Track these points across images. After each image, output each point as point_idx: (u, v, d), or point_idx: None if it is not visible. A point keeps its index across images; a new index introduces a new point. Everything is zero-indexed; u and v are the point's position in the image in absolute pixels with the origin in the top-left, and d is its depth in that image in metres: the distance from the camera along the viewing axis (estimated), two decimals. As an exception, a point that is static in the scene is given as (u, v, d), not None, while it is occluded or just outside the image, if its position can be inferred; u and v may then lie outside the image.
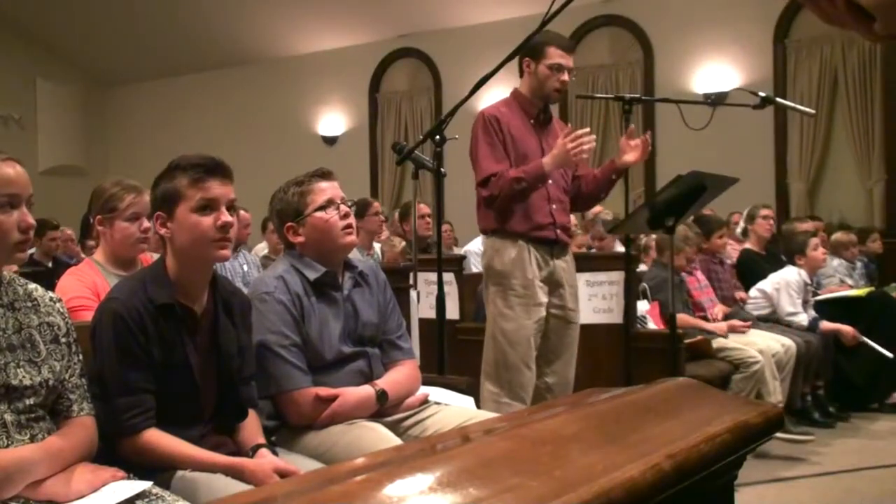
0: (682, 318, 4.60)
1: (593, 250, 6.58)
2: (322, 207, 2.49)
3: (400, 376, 2.53)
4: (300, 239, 2.51)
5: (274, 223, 2.64)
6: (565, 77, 3.44)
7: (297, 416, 2.38)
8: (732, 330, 4.76)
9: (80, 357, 1.93)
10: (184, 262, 2.08)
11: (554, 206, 3.47)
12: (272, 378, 2.34)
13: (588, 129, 3.39)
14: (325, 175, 2.56)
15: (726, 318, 4.94)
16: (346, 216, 2.51)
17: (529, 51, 3.41)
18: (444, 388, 2.87)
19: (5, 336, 1.78)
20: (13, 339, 1.79)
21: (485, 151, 3.37)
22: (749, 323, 4.92)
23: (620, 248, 7.10)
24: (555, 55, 3.40)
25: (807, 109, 4.36)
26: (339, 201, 2.52)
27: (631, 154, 3.47)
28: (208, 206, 2.04)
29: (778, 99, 3.98)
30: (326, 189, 2.52)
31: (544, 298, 3.44)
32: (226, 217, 2.05)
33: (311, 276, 2.47)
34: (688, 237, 4.80)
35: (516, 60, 3.43)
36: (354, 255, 2.77)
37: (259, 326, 2.34)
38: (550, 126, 3.60)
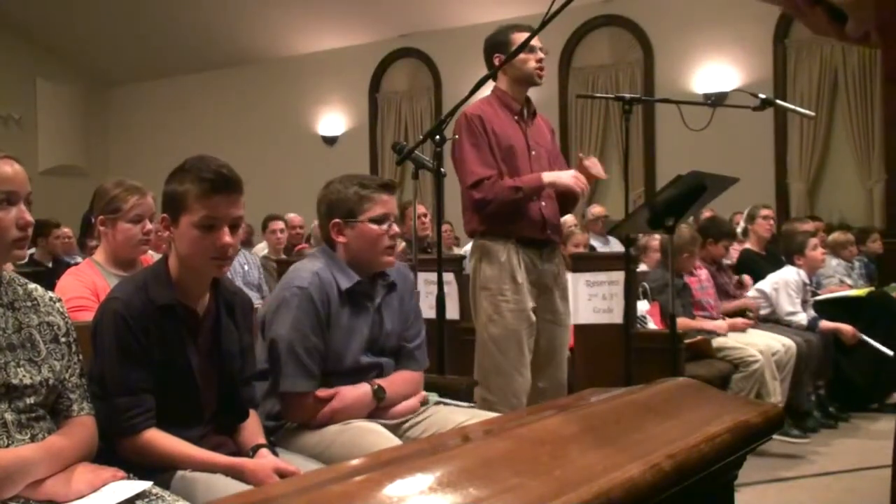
0: (682, 321, 4.60)
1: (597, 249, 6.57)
2: (377, 220, 2.45)
3: (400, 377, 2.53)
4: (342, 239, 2.46)
5: (319, 211, 2.55)
6: (540, 55, 3.43)
7: (297, 416, 2.39)
8: (733, 328, 4.76)
9: (80, 357, 1.93)
10: (185, 266, 2.08)
11: (543, 204, 3.41)
12: (282, 375, 2.34)
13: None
14: (390, 188, 2.51)
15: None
16: (393, 236, 2.48)
17: (496, 48, 3.41)
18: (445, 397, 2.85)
19: (5, 336, 1.78)
20: (13, 339, 1.79)
21: (471, 154, 3.32)
22: (751, 322, 4.91)
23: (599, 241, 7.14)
24: (519, 39, 3.33)
25: (807, 112, 4.35)
26: (392, 219, 2.48)
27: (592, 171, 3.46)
28: (210, 225, 2.02)
29: (778, 101, 3.97)
30: (387, 202, 2.48)
31: (533, 303, 3.39)
32: (226, 238, 2.03)
33: (344, 284, 2.42)
34: (695, 238, 4.80)
35: (486, 64, 3.46)
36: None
37: (283, 319, 2.33)
38: (535, 121, 3.55)
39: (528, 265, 3.37)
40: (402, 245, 5.91)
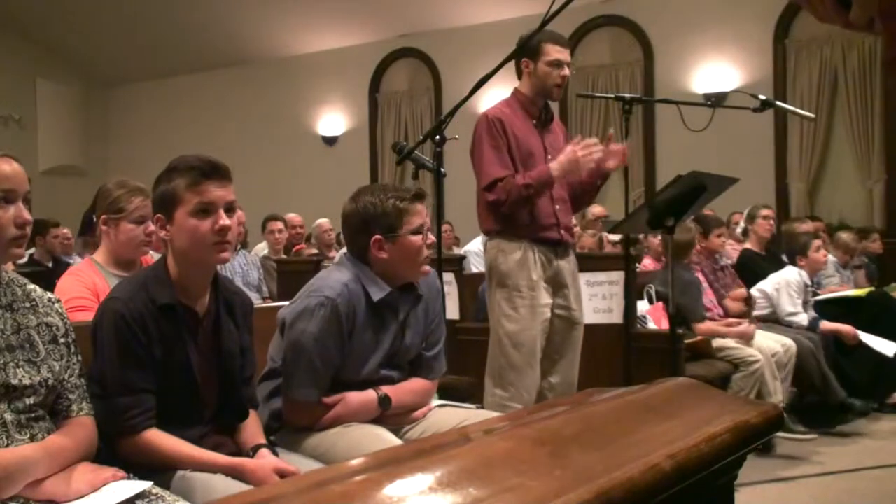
0: (706, 326, 4.62)
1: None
2: (416, 231, 2.42)
3: (409, 386, 2.50)
4: (384, 255, 2.40)
5: (350, 224, 2.47)
6: (565, 72, 3.46)
7: (301, 422, 2.38)
8: (743, 335, 4.73)
9: (80, 357, 1.93)
10: (184, 263, 2.08)
11: (558, 207, 3.47)
12: (294, 382, 2.33)
13: (596, 140, 3.42)
14: (422, 197, 2.48)
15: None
16: (429, 246, 2.45)
17: (526, 51, 3.43)
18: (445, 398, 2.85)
19: (4, 337, 1.78)
20: (12, 340, 1.79)
21: (490, 155, 3.36)
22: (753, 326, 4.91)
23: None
24: (552, 52, 3.42)
25: (807, 114, 4.37)
26: (426, 228, 2.45)
27: (612, 160, 3.47)
28: (206, 210, 2.02)
29: (778, 103, 3.97)
30: (422, 212, 2.45)
31: (549, 300, 3.44)
32: (223, 220, 2.03)
33: (376, 296, 2.39)
34: (696, 229, 4.82)
35: (513, 62, 3.46)
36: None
37: (306, 327, 2.30)
38: (552, 126, 3.61)
39: (543, 263, 3.43)
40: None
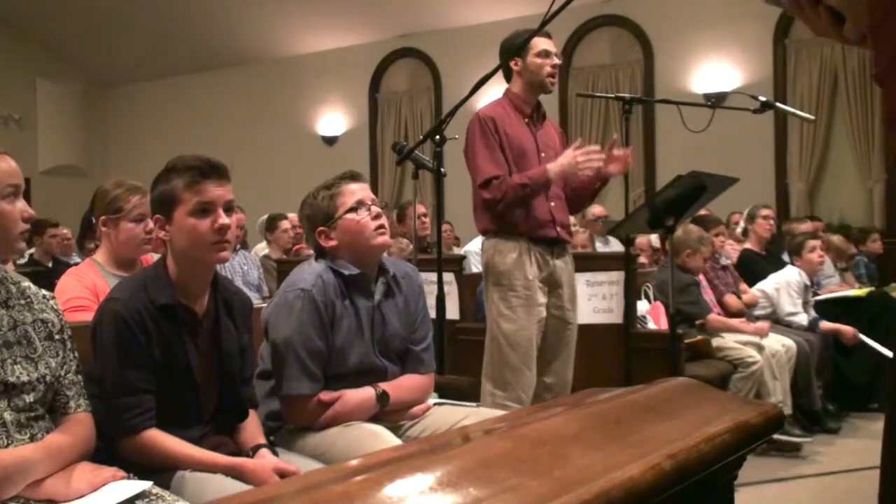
0: (719, 320, 4.61)
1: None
2: (353, 209, 2.46)
3: (406, 382, 2.51)
4: (332, 243, 2.47)
5: (304, 228, 2.60)
6: (555, 61, 3.49)
7: (299, 419, 2.39)
8: (758, 331, 4.73)
9: (76, 353, 1.93)
10: (184, 263, 2.08)
11: (553, 204, 3.47)
12: (285, 378, 2.34)
13: (598, 147, 3.44)
14: (354, 177, 2.53)
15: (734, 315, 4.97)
16: (377, 217, 2.48)
17: (513, 52, 3.44)
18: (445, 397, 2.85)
19: (1, 333, 1.78)
20: (9, 336, 1.79)
21: (483, 154, 3.37)
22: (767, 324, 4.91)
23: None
24: (539, 43, 3.44)
25: (807, 115, 4.37)
26: (369, 202, 2.49)
27: (614, 165, 3.48)
28: (205, 209, 2.03)
29: (778, 104, 3.98)
30: (356, 190, 2.49)
31: (544, 299, 3.44)
32: (223, 220, 2.04)
33: (348, 271, 2.44)
34: (703, 237, 4.79)
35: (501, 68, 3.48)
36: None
37: (287, 322, 2.34)
38: (545, 124, 3.62)
39: (539, 262, 3.43)
40: (409, 246, 5.91)
